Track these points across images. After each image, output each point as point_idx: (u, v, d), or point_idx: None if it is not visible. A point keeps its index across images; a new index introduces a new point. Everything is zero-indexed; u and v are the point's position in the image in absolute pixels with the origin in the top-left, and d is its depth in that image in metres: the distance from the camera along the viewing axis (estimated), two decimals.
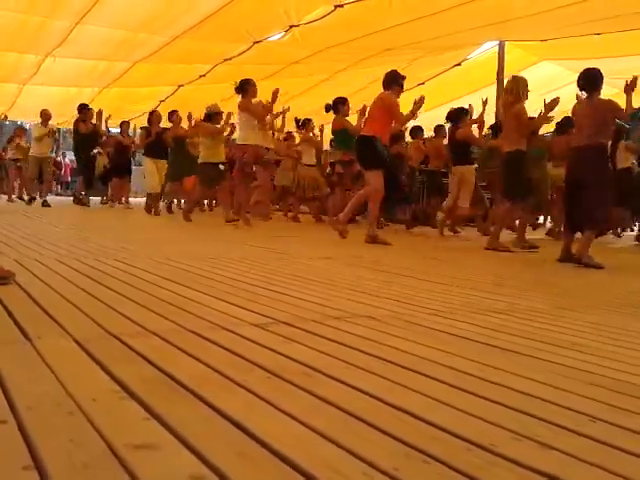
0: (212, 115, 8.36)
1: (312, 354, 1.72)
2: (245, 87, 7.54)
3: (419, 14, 8.82)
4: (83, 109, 11.17)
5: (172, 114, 10.02)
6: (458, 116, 8.39)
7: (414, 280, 3.55)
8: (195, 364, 1.56)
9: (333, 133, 9.40)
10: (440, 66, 12.87)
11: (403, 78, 6.37)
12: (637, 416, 1.35)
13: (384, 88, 6.33)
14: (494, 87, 11.67)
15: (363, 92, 13.13)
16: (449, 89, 13.55)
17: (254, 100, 7.68)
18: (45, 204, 10.74)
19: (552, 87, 13.17)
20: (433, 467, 1.03)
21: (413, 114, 6.41)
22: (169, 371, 1.45)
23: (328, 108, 9.08)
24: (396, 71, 6.45)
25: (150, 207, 9.98)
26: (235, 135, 9.00)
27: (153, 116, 10.36)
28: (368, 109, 6.76)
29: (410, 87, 13.70)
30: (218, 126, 8.36)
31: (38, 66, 11.13)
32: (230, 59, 10.93)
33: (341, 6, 8.57)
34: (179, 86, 12.95)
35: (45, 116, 11.29)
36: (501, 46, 11.65)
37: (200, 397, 1.29)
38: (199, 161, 8.33)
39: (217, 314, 2.20)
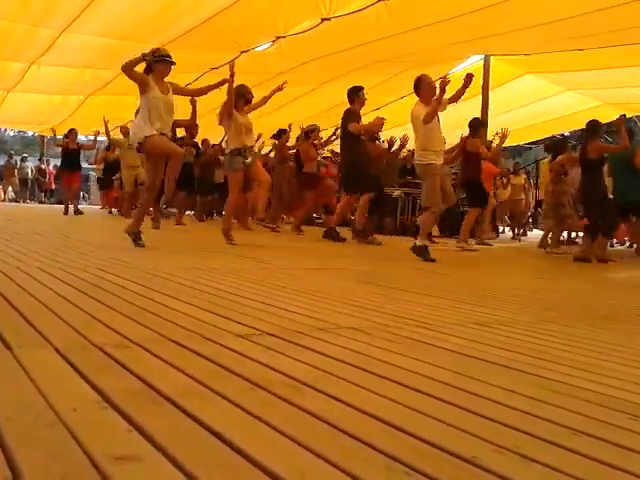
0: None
1: (296, 366, 1.71)
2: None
3: (405, 28, 8.89)
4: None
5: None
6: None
7: (399, 291, 3.56)
8: (178, 375, 1.55)
9: None
10: None
11: None
12: (619, 429, 1.36)
13: None
14: (479, 99, 11.79)
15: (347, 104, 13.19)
16: None
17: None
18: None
19: (535, 98, 13.38)
20: (415, 479, 1.03)
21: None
22: (151, 382, 1.44)
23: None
24: None
25: None
26: None
27: None
28: None
29: (395, 99, 13.83)
30: None
31: (23, 74, 11.07)
32: (217, 68, 10.94)
33: (328, 19, 8.63)
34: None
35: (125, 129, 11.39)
36: (486, 60, 11.78)
37: (182, 408, 1.28)
38: None
39: (201, 324, 2.19)
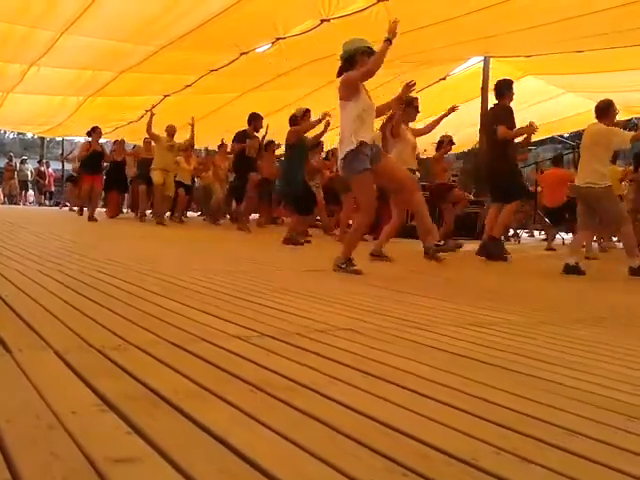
0: None
1: (296, 368, 1.71)
2: None
3: (405, 29, 8.87)
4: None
5: None
6: None
7: (399, 293, 3.56)
8: (177, 377, 1.54)
9: None
10: (425, 80, 12.97)
11: None
12: (619, 431, 1.36)
13: None
14: (478, 101, 11.80)
15: None
16: (434, 103, 13.66)
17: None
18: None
19: (536, 100, 13.42)
20: None
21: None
22: (150, 384, 1.44)
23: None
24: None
25: None
26: None
27: None
28: None
29: None
30: None
31: (22, 75, 11.08)
32: (216, 70, 10.95)
33: (327, 20, 8.64)
34: (165, 96, 12.95)
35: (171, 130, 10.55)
36: (486, 61, 11.79)
37: (181, 411, 1.28)
38: None
39: (200, 326, 2.19)
